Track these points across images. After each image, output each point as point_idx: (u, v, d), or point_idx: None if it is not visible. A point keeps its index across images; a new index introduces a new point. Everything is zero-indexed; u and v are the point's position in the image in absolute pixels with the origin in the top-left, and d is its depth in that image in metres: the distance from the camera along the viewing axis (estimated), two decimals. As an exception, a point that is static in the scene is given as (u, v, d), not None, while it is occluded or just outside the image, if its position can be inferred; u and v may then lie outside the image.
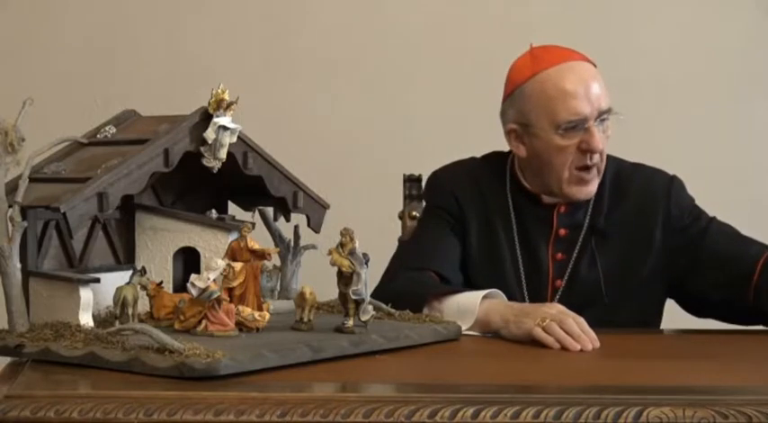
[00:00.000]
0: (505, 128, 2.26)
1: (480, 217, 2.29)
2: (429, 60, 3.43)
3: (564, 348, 1.80)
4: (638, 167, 2.33)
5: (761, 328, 2.12)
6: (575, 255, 2.25)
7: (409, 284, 2.11)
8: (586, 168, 2.20)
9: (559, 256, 2.26)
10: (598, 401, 1.36)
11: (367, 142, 3.41)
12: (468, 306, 1.98)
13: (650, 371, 1.64)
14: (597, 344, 1.83)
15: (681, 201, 2.27)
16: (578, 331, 1.83)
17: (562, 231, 2.27)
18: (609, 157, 2.28)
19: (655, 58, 3.41)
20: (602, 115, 2.17)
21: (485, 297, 1.99)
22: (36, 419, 1.34)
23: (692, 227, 2.23)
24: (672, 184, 2.28)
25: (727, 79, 3.41)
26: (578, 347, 1.80)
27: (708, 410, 1.34)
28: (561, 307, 1.91)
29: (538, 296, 2.22)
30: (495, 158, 2.36)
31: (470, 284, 2.19)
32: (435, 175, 2.41)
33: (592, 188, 2.23)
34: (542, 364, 1.70)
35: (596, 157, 2.19)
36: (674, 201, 2.26)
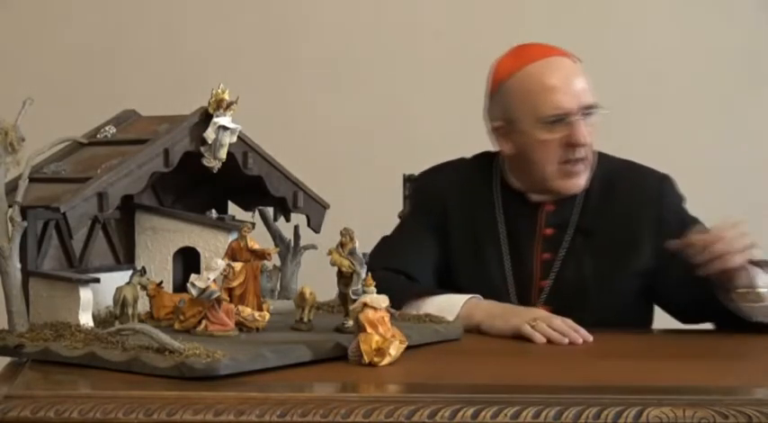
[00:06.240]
0: (490, 126, 2.27)
1: (467, 220, 2.27)
2: (429, 60, 3.43)
3: (550, 342, 1.85)
4: (630, 166, 2.30)
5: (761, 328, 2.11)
6: (561, 255, 2.23)
7: (386, 286, 2.06)
8: (573, 161, 2.18)
9: (546, 256, 2.23)
10: (598, 401, 1.36)
11: (367, 142, 3.41)
12: (448, 307, 2.00)
13: (650, 371, 1.64)
14: (589, 338, 1.87)
15: (671, 204, 2.24)
16: (566, 328, 1.88)
17: (548, 231, 2.24)
18: (600, 154, 2.26)
19: (655, 59, 3.41)
20: (586, 110, 2.16)
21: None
22: (36, 419, 1.34)
23: (675, 233, 2.10)
24: (663, 185, 2.25)
25: (727, 80, 3.41)
26: (566, 341, 1.85)
27: (708, 410, 1.34)
28: (548, 312, 1.96)
29: (523, 296, 2.21)
30: (484, 158, 2.35)
31: (454, 287, 2.17)
32: (424, 178, 2.41)
33: (581, 181, 2.21)
34: (542, 365, 1.70)
35: (582, 151, 2.17)
36: (665, 203, 2.23)
